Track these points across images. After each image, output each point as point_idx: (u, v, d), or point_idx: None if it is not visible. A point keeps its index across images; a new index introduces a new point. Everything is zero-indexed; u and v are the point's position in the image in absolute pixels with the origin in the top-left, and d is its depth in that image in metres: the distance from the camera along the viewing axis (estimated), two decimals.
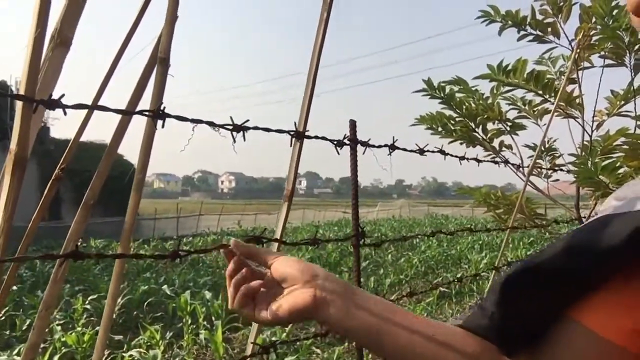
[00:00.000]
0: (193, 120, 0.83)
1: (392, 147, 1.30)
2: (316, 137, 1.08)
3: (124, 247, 0.80)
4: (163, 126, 0.79)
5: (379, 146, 1.27)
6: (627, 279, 0.53)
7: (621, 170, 2.48)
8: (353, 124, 1.21)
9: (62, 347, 5.13)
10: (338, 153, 1.11)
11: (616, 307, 0.53)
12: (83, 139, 1.17)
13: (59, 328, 5.55)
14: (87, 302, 6.81)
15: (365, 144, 1.23)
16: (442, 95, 3.38)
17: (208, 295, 6.95)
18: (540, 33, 3.25)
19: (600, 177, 2.41)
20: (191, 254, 0.77)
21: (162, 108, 0.77)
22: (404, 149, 1.39)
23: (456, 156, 1.79)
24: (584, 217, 3.34)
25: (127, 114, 0.76)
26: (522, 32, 3.30)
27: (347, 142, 1.19)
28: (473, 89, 3.44)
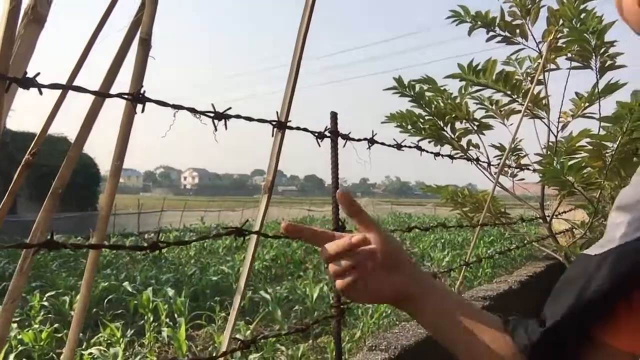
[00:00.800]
0: (174, 106, 0.79)
1: (372, 141, 1.29)
2: (297, 129, 1.05)
3: (100, 237, 0.76)
4: (143, 111, 0.75)
5: (359, 140, 1.26)
6: (630, 302, 0.58)
7: (586, 170, 2.55)
8: (334, 116, 1.19)
9: (19, 345, 4.95)
10: (319, 145, 1.09)
11: (626, 323, 0.59)
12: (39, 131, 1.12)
13: (14, 325, 5.35)
14: (44, 298, 6.59)
15: (346, 137, 1.21)
16: (412, 93, 3.40)
17: (171, 292, 6.81)
18: (508, 34, 3.30)
19: (566, 176, 2.46)
20: (172, 245, 0.74)
21: (142, 92, 0.73)
22: (383, 143, 1.38)
23: (431, 152, 1.79)
24: (548, 216, 3.42)
25: (104, 96, 0.72)
26: (491, 33, 3.35)
27: (328, 135, 1.16)
28: (442, 88, 3.47)
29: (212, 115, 0.85)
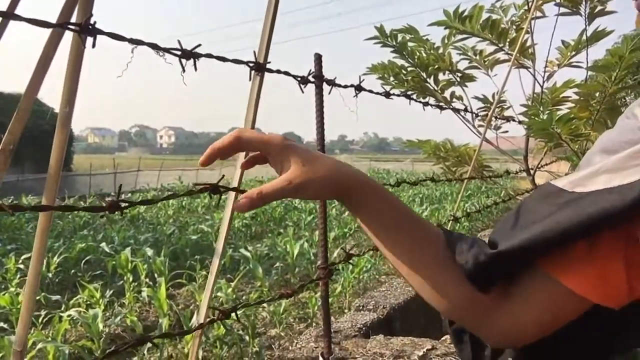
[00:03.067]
0: (132, 41, 0.67)
1: (359, 88, 1.19)
2: (278, 72, 0.94)
3: (49, 197, 0.65)
4: (94, 46, 0.63)
5: (345, 86, 1.15)
6: (593, 246, 0.58)
7: (574, 121, 2.48)
8: (318, 59, 1.07)
9: None
10: (302, 91, 0.98)
11: (584, 265, 0.58)
12: None
13: None
14: (20, 261, 6.46)
15: (331, 83, 1.10)
16: (394, 43, 3.27)
17: (149, 252, 6.72)
18: None
19: (554, 128, 2.39)
20: (133, 205, 0.64)
21: (91, 22, 0.60)
22: (370, 91, 1.28)
23: (419, 101, 1.70)
24: (532, 168, 3.37)
25: (44, 25, 0.60)
26: None
27: (312, 80, 1.05)
28: (424, 38, 3.35)
29: (178, 53, 0.73)
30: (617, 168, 0.56)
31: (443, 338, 1.48)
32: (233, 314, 0.89)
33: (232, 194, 0.90)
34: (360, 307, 1.67)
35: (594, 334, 0.66)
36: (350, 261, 1.30)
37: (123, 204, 0.61)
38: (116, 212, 0.68)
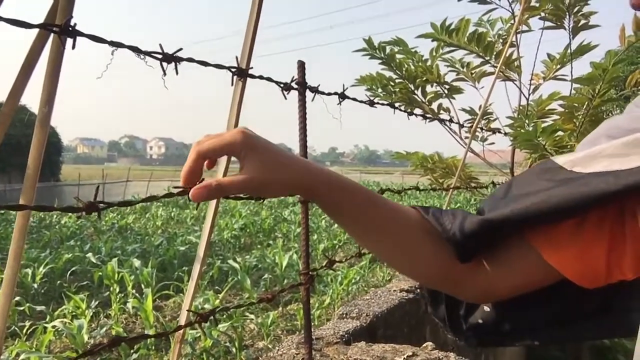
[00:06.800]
0: (112, 43, 0.67)
1: (342, 96, 1.20)
2: (261, 77, 0.95)
3: (27, 197, 0.65)
4: (74, 47, 0.63)
5: (329, 93, 1.16)
6: (580, 226, 0.60)
7: (558, 133, 2.51)
8: (302, 66, 1.08)
9: None
10: (285, 97, 0.99)
11: (567, 243, 0.61)
12: None
13: None
14: (4, 271, 6.39)
15: (315, 90, 1.11)
16: (382, 55, 3.30)
17: (137, 263, 6.67)
18: None
19: (538, 139, 2.42)
20: (112, 206, 0.64)
21: (71, 24, 0.61)
22: (354, 99, 1.29)
23: (404, 111, 1.71)
24: None
25: (25, 26, 0.60)
26: None
27: (295, 86, 1.06)
28: (412, 50, 3.38)
29: (159, 57, 0.73)
30: (618, 153, 0.57)
31: (424, 345, 1.49)
32: (214, 320, 0.89)
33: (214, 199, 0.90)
34: (344, 315, 1.67)
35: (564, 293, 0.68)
36: (337, 269, 1.30)
37: (101, 205, 0.61)
38: (99, 219, 0.68)
